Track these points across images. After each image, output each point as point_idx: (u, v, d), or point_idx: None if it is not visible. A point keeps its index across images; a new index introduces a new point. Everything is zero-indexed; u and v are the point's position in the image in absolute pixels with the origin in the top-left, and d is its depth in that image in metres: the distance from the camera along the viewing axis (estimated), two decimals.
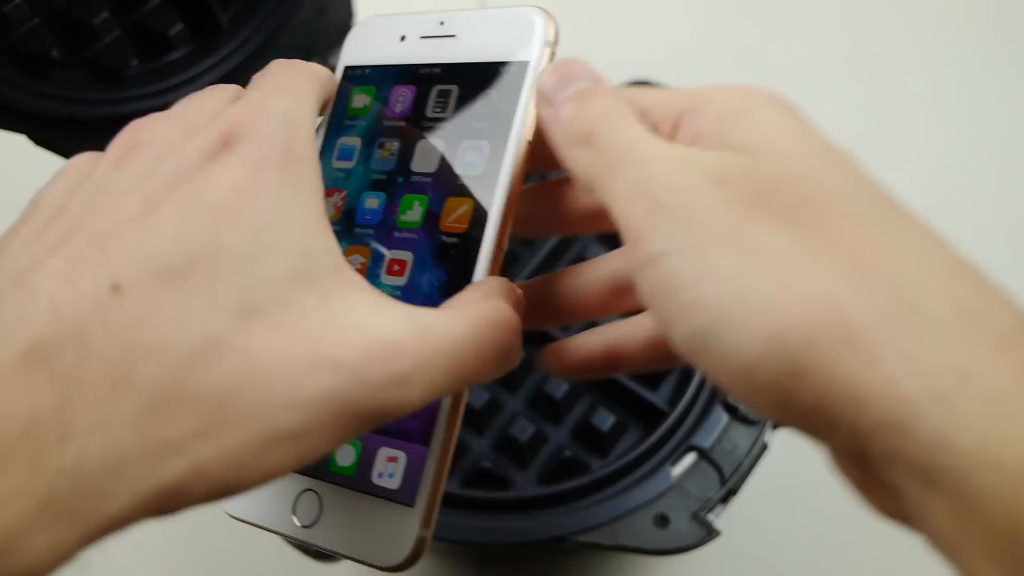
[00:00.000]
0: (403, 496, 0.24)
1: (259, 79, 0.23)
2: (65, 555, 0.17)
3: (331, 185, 0.28)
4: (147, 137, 0.21)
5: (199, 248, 0.18)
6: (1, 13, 0.32)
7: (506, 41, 0.27)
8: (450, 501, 0.36)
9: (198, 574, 0.46)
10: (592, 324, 0.42)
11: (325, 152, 0.29)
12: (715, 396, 0.39)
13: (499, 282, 0.23)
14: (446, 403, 0.24)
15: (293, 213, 0.20)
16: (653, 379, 0.42)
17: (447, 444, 0.24)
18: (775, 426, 0.38)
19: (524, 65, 0.26)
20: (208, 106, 0.22)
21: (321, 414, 0.18)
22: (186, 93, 0.40)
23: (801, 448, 0.49)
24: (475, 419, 0.41)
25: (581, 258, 0.44)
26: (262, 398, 0.18)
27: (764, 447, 0.37)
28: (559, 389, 0.41)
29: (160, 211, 0.19)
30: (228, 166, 0.19)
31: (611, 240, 0.45)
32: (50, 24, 0.35)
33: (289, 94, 0.22)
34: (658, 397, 0.41)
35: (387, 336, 0.19)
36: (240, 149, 0.20)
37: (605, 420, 0.40)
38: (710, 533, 0.35)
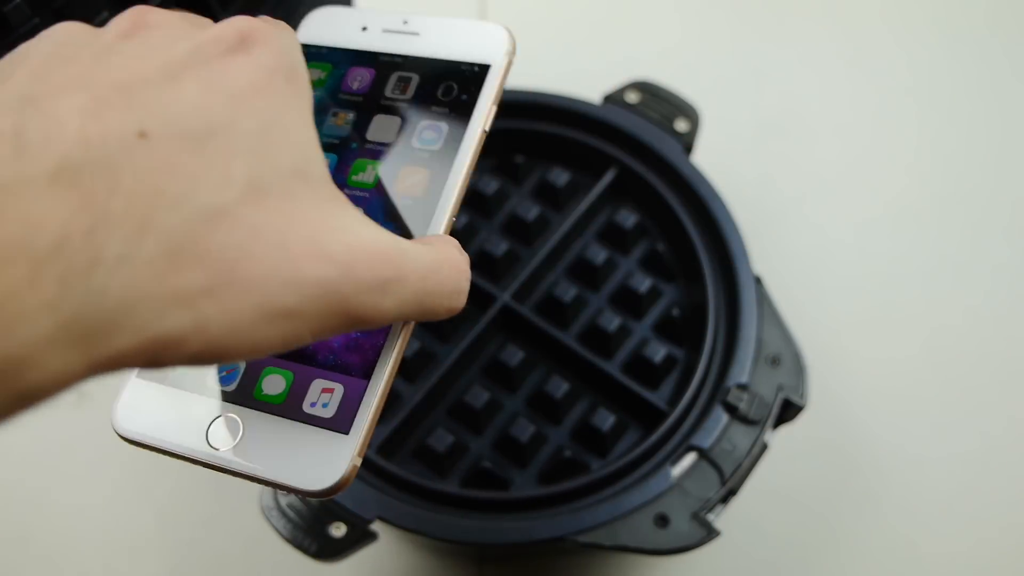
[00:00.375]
0: (338, 425, 0.25)
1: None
2: (70, 382, 0.17)
3: None
4: (157, 20, 0.22)
5: (217, 122, 0.19)
6: (1, 13, 0.32)
7: (469, 46, 0.31)
8: (450, 501, 0.36)
9: (198, 574, 0.46)
10: (592, 323, 0.42)
11: None
12: (715, 396, 0.39)
13: (452, 239, 0.25)
14: (394, 335, 0.26)
15: (298, 120, 0.21)
16: (653, 379, 0.42)
17: (389, 378, 0.26)
18: (775, 426, 0.38)
19: (486, 67, 0.30)
20: (204, 20, 0.23)
21: (314, 300, 0.20)
22: None
23: (801, 448, 0.49)
24: (475, 419, 0.41)
25: (582, 258, 0.44)
26: (265, 271, 0.19)
27: (764, 447, 0.37)
28: (559, 389, 0.41)
29: (182, 81, 0.20)
30: (245, 63, 0.21)
31: (611, 238, 0.45)
32: (49, 24, 0.34)
33: (286, 27, 0.23)
34: (658, 397, 0.41)
35: (375, 244, 0.21)
36: (256, 51, 0.21)
37: (605, 420, 0.40)
38: (710, 533, 0.35)
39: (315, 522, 0.35)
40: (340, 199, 0.21)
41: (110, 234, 0.17)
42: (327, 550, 0.35)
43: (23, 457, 0.49)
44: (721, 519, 0.36)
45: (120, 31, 0.21)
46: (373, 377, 0.26)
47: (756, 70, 0.63)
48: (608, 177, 0.45)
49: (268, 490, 0.36)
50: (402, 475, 0.37)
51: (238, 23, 0.22)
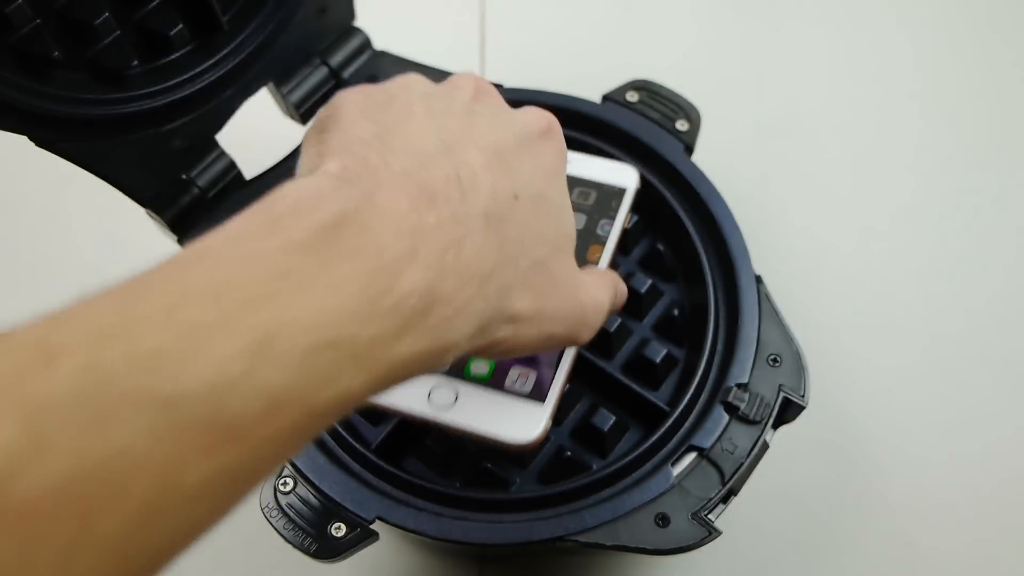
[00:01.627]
0: (535, 396, 0.35)
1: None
2: (422, 366, 0.22)
3: None
4: (486, 88, 0.30)
5: (542, 190, 0.27)
6: (3, 14, 0.32)
7: (614, 176, 0.43)
8: (450, 501, 0.36)
9: (198, 574, 0.46)
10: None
11: None
12: (715, 396, 0.39)
13: (615, 273, 0.36)
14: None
15: (568, 196, 0.30)
16: (653, 379, 0.42)
17: (571, 367, 0.36)
18: (775, 426, 0.38)
19: (624, 190, 0.42)
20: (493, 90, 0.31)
21: (568, 330, 0.28)
22: (186, 93, 0.40)
23: (801, 448, 0.49)
24: None
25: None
26: (557, 308, 0.27)
27: (764, 447, 0.37)
28: None
29: (523, 156, 0.27)
30: (550, 147, 0.29)
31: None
32: (51, 25, 0.35)
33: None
34: (658, 397, 0.41)
35: (597, 299, 0.30)
36: (555, 140, 0.30)
37: (605, 420, 0.40)
38: (710, 533, 0.35)
39: (315, 522, 0.35)
40: (581, 265, 0.30)
41: (505, 269, 0.24)
42: (327, 550, 0.34)
43: None
44: (721, 519, 0.36)
45: (470, 95, 0.29)
46: (560, 365, 0.36)
47: (757, 70, 0.63)
48: None
49: (268, 490, 0.36)
50: (402, 475, 0.37)
51: (543, 116, 0.30)
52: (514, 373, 0.35)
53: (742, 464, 0.36)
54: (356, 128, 0.25)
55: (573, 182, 0.43)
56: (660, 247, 0.45)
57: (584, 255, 0.40)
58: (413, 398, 0.34)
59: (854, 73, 0.63)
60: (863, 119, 0.61)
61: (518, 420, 0.34)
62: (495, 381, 0.35)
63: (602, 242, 0.41)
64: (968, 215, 0.57)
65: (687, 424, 0.38)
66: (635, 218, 0.45)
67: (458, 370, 0.35)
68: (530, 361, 0.36)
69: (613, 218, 0.42)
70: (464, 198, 0.23)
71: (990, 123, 0.60)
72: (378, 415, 0.41)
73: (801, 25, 0.65)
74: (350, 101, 0.27)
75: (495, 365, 0.36)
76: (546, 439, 0.36)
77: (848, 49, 0.64)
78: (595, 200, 0.43)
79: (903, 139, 0.60)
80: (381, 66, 0.47)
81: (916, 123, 0.61)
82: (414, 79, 0.29)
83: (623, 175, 0.43)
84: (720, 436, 0.37)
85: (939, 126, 0.61)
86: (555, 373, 0.35)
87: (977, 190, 0.58)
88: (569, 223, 0.29)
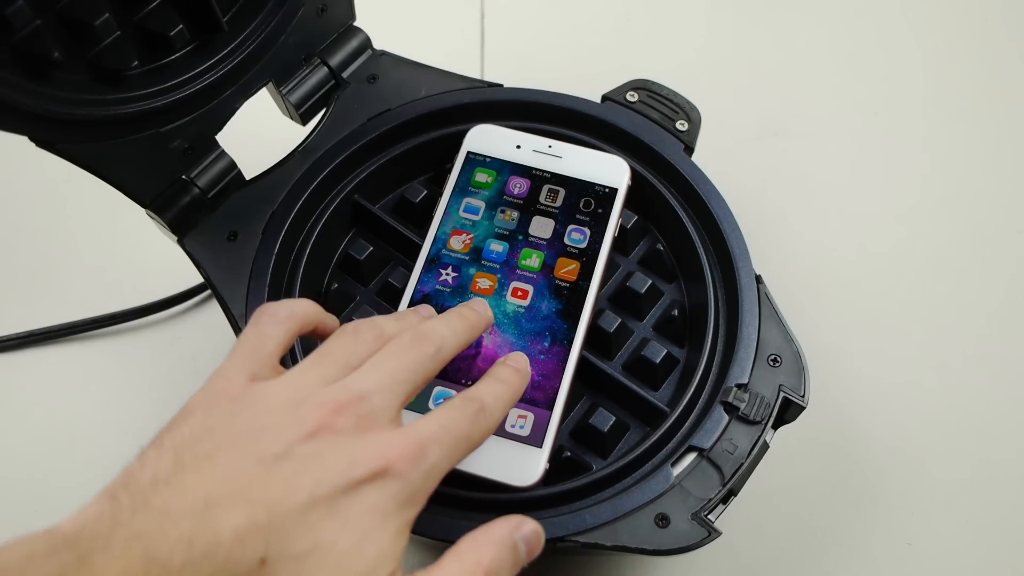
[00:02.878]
0: (533, 440, 0.37)
1: (439, 411, 0.30)
2: None
3: (459, 227, 0.42)
4: (342, 425, 0.27)
5: (321, 547, 0.25)
6: (3, 15, 0.32)
7: (601, 171, 0.43)
8: (450, 501, 0.36)
9: None
10: (592, 323, 0.42)
11: (452, 203, 0.43)
12: (715, 396, 0.39)
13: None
14: (565, 380, 0.38)
15: (383, 540, 0.26)
16: (653, 379, 0.42)
17: (566, 406, 0.38)
18: (775, 426, 0.38)
19: (615, 190, 0.43)
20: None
21: None
22: (186, 93, 0.40)
23: (801, 448, 0.49)
24: None
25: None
26: None
27: (764, 447, 0.37)
28: None
29: (318, 511, 0.25)
30: (372, 499, 0.26)
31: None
32: (51, 25, 0.35)
33: (444, 445, 0.28)
34: (658, 397, 0.41)
35: None
36: (387, 486, 0.27)
37: (605, 420, 0.40)
38: (710, 533, 0.35)
39: None
40: None
41: None
42: None
43: (15, 448, 0.49)
44: (721, 519, 0.36)
45: (310, 427, 0.27)
46: (555, 406, 0.38)
47: (757, 70, 0.63)
48: None
49: None
50: None
51: (382, 455, 0.27)
52: (513, 414, 0.37)
53: (742, 464, 0.36)
54: (152, 458, 0.25)
55: (551, 180, 0.43)
56: (660, 247, 0.45)
57: (551, 272, 0.41)
58: None
59: (854, 72, 0.63)
60: (863, 119, 0.61)
61: (517, 466, 0.36)
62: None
63: (573, 255, 0.41)
64: (968, 215, 0.57)
65: (687, 424, 0.38)
66: (635, 218, 0.45)
67: None
68: (527, 400, 0.38)
69: (585, 224, 0.42)
70: (183, 568, 0.23)
71: (991, 124, 0.60)
72: None
73: (801, 24, 0.65)
74: (194, 408, 0.27)
75: None
76: (544, 476, 0.37)
77: (848, 48, 0.64)
78: (563, 201, 0.42)
79: (903, 139, 0.60)
80: (381, 66, 0.47)
81: (916, 123, 0.61)
82: (277, 404, 0.27)
83: (611, 170, 0.43)
84: (720, 436, 0.37)
85: (939, 126, 0.61)
86: (551, 414, 0.37)
87: (977, 190, 0.58)
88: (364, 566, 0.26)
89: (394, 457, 0.27)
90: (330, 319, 0.34)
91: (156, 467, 0.25)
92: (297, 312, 0.32)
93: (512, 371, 0.33)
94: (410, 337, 0.31)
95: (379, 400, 0.28)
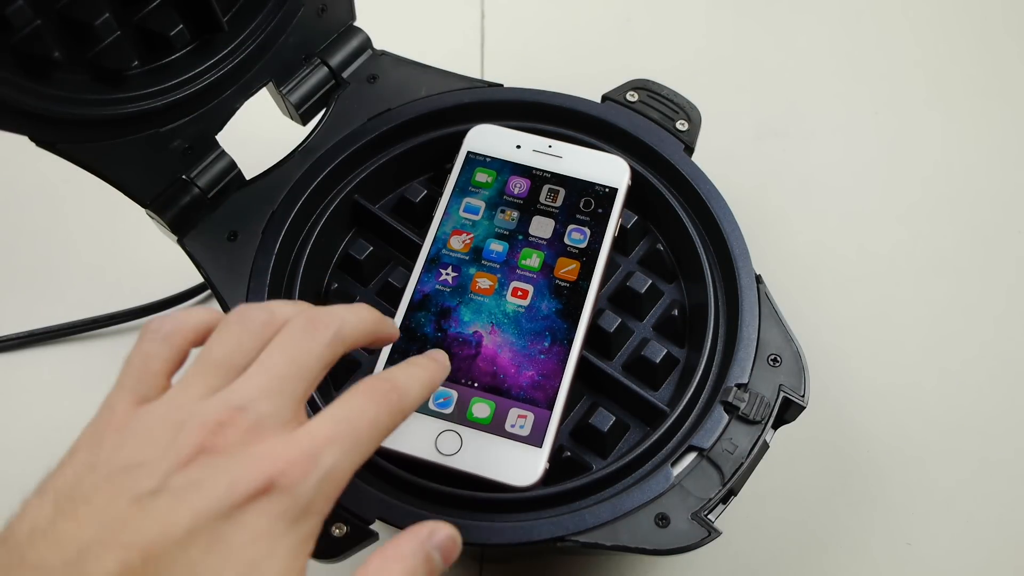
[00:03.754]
0: (533, 440, 0.37)
1: (341, 401, 0.27)
2: None
3: (459, 227, 0.42)
4: (223, 444, 0.25)
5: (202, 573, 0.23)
6: (3, 15, 0.32)
7: (600, 171, 0.43)
8: (450, 501, 0.36)
9: None
10: (592, 323, 0.42)
11: (452, 203, 0.43)
12: (715, 396, 0.39)
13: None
14: (565, 380, 0.38)
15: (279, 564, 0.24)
16: (653, 379, 0.42)
17: (566, 406, 0.38)
18: (775, 426, 0.38)
19: (615, 190, 0.43)
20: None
21: None
22: (186, 93, 0.40)
23: (801, 448, 0.49)
24: None
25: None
26: None
27: (764, 447, 0.37)
28: None
29: (200, 542, 0.23)
30: (256, 521, 0.24)
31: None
32: (52, 25, 0.35)
33: (344, 443, 0.26)
34: (658, 397, 0.41)
35: None
36: (272, 504, 0.24)
37: (605, 420, 0.40)
38: (710, 533, 0.35)
39: None
40: None
41: None
42: (327, 550, 0.34)
43: (15, 448, 0.49)
44: (721, 519, 0.36)
45: (186, 455, 0.24)
46: (555, 406, 0.38)
47: (757, 70, 0.63)
48: None
49: None
50: (402, 475, 0.37)
51: (268, 468, 0.24)
52: (514, 414, 0.38)
53: (742, 464, 0.36)
54: (33, 507, 0.24)
55: (551, 180, 0.43)
56: (660, 247, 0.45)
57: (551, 271, 0.41)
58: (420, 444, 0.37)
59: (855, 72, 0.63)
60: (863, 119, 0.61)
61: (517, 466, 0.36)
62: (496, 425, 0.37)
63: (573, 255, 0.41)
64: (968, 215, 0.57)
65: (687, 424, 0.38)
66: (635, 218, 0.45)
67: (460, 414, 0.38)
68: (528, 400, 0.38)
69: (585, 224, 0.42)
70: None
71: (991, 124, 0.60)
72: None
73: (801, 24, 0.65)
74: (79, 447, 0.25)
75: (495, 407, 0.38)
76: (545, 476, 0.37)
77: (848, 48, 0.64)
78: (563, 201, 0.42)
79: (903, 139, 0.60)
80: (381, 66, 0.47)
81: (916, 123, 0.61)
82: (160, 430, 0.25)
83: (611, 170, 0.43)
84: (720, 436, 0.37)
85: (939, 126, 0.61)
86: (551, 414, 0.38)
87: (977, 191, 0.58)
88: None
89: (277, 471, 0.24)
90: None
91: (35, 517, 0.24)
92: (186, 326, 0.29)
93: (427, 359, 0.31)
94: (303, 322, 0.28)
95: (266, 406, 0.26)
